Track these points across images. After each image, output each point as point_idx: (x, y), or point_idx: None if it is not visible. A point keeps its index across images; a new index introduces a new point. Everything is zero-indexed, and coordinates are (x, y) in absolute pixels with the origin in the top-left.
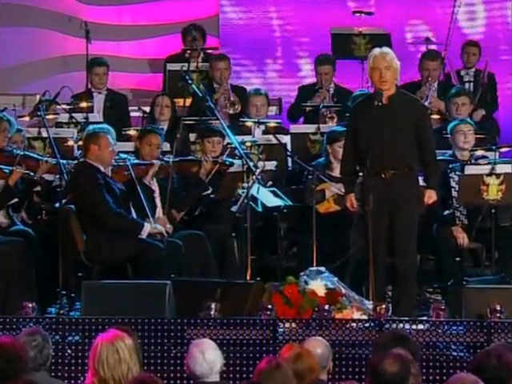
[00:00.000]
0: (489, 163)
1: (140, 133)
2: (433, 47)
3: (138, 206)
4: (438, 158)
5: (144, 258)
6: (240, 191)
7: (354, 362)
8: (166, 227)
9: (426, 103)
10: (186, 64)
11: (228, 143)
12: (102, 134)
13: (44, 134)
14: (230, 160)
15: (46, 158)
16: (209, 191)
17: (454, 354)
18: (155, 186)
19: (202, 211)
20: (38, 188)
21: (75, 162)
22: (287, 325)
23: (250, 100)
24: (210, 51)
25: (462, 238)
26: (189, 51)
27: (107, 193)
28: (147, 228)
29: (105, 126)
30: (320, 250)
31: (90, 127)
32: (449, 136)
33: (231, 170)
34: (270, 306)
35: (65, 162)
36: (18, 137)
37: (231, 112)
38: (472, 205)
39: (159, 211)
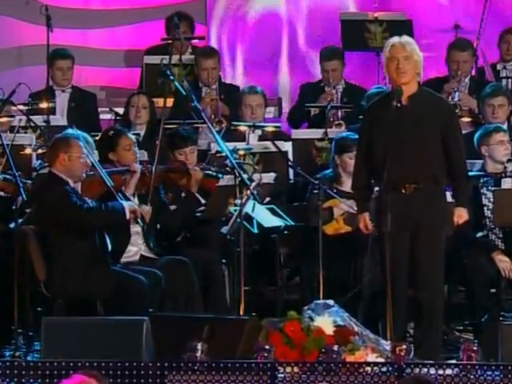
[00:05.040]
0: None
1: (107, 142)
2: (463, 36)
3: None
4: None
5: (122, 294)
6: (232, 209)
7: None
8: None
9: (455, 99)
10: (167, 57)
11: (217, 151)
12: (74, 142)
13: None
14: (216, 174)
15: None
16: (202, 208)
17: None
18: (136, 204)
19: (186, 235)
20: None
21: (34, 175)
22: (288, 369)
23: (243, 100)
24: (195, 41)
25: (508, 269)
26: (170, 41)
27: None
28: (127, 207)
29: (81, 133)
30: (327, 279)
31: (69, 131)
32: (479, 146)
33: (221, 183)
34: (267, 347)
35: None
36: None
37: (217, 129)
38: (510, 226)
39: (139, 237)
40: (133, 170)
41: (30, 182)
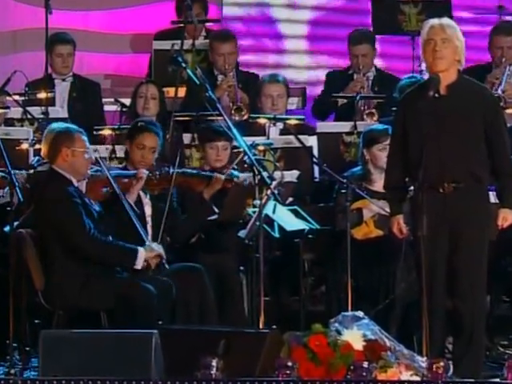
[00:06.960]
0: None
1: (132, 129)
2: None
3: (118, 232)
4: None
5: (129, 304)
6: (250, 211)
7: None
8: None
9: (499, 91)
10: (179, 41)
11: (234, 147)
12: (78, 136)
13: None
14: (236, 173)
15: None
16: (215, 216)
17: None
18: (147, 206)
19: (201, 237)
20: None
21: (31, 171)
22: None
23: (263, 90)
24: (209, 24)
25: None
26: (182, 24)
27: (86, 216)
28: (142, 254)
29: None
30: (356, 288)
31: (54, 125)
32: None
33: (238, 181)
34: (290, 364)
35: (18, 172)
36: None
37: (236, 119)
38: None
39: (149, 240)
40: (138, 176)
41: (24, 172)
